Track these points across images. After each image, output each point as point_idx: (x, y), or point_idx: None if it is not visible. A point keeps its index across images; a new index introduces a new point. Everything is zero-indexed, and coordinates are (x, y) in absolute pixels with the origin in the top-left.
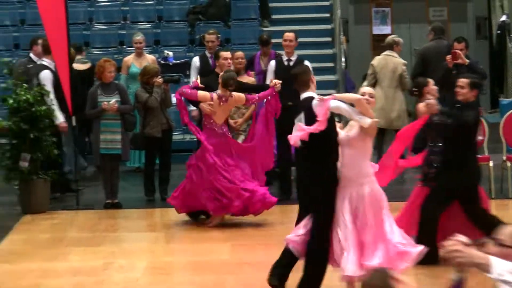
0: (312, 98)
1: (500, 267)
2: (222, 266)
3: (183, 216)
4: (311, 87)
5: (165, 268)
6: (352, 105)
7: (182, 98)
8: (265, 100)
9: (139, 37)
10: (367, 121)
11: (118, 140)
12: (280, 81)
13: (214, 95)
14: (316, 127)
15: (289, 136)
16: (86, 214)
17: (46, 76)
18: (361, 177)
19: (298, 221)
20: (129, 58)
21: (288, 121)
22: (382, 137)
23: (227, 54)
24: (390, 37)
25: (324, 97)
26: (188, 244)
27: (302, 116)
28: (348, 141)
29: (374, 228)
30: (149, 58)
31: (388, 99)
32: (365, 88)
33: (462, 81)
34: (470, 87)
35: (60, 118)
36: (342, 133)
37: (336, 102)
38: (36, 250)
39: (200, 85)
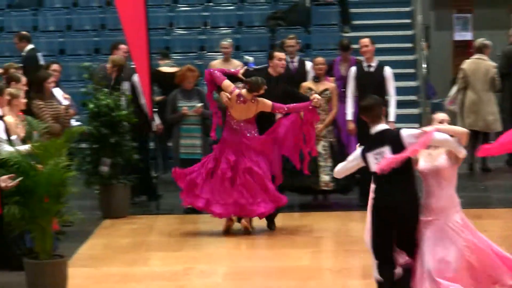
0: (393, 130)
1: None
2: (302, 272)
3: (264, 222)
4: (383, 119)
5: (246, 274)
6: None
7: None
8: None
9: (226, 42)
10: (464, 151)
11: (198, 145)
12: (319, 97)
13: (236, 90)
14: (410, 154)
15: (379, 167)
16: (166, 219)
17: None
18: (452, 207)
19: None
20: (216, 63)
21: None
22: (475, 140)
23: (281, 54)
24: (479, 41)
25: (426, 129)
26: (268, 250)
27: (386, 149)
28: (437, 171)
29: (485, 249)
30: (236, 64)
31: (483, 102)
32: (441, 115)
33: None
34: None
35: (156, 120)
36: (423, 163)
37: (442, 134)
38: (116, 254)
39: (240, 75)
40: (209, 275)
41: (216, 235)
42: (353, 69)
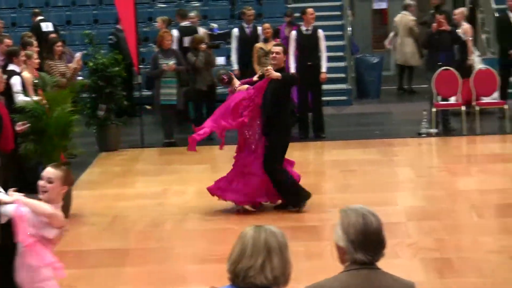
0: None
1: None
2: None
3: (224, 151)
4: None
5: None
6: None
7: None
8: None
9: (193, 13)
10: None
11: (174, 94)
12: (270, 67)
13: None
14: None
15: None
16: (149, 151)
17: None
18: None
19: None
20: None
21: (307, 76)
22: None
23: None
24: (404, 2)
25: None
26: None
27: None
28: None
29: None
30: (201, 31)
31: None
32: None
33: None
34: None
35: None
36: None
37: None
38: (110, 179)
39: (254, 79)
40: (182, 194)
41: (188, 163)
42: (294, 32)
